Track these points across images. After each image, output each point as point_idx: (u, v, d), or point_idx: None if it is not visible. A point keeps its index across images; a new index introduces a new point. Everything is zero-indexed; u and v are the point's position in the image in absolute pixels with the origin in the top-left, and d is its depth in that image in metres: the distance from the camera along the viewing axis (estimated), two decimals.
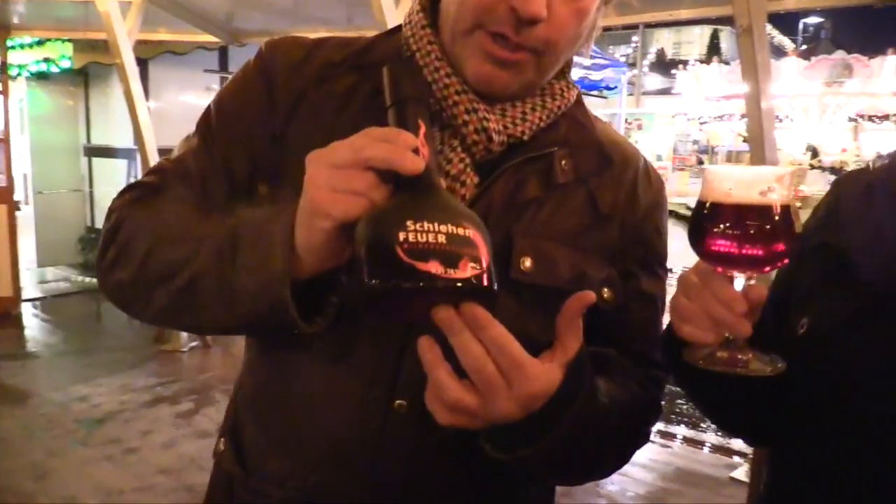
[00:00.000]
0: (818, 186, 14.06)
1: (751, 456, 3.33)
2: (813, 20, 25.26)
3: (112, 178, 7.80)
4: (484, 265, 0.61)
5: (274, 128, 0.86)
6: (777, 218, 0.66)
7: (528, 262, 0.81)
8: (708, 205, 0.69)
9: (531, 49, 0.78)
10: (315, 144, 0.69)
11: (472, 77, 0.80)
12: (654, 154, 17.91)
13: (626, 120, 16.45)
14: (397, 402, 0.80)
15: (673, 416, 4.18)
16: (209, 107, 0.91)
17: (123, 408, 4.08)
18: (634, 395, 0.85)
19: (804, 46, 23.08)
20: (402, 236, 0.59)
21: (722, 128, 15.49)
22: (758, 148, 2.59)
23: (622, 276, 0.88)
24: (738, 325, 0.69)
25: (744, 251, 0.67)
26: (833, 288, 0.77)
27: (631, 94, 20.54)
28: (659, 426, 4.04)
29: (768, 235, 0.66)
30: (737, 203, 0.67)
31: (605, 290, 0.85)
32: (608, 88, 10.33)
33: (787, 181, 0.67)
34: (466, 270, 0.60)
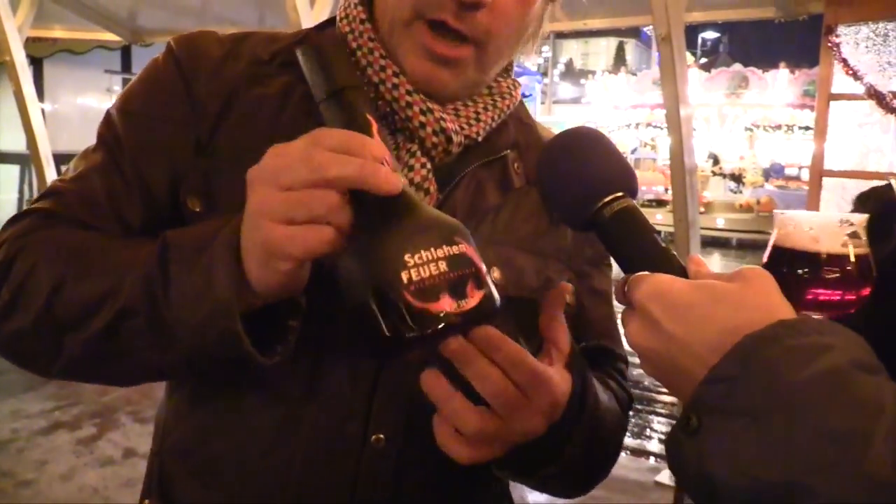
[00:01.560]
0: (719, 192, 14.81)
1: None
2: (711, 34, 26.58)
3: (2, 185, 7.28)
4: (487, 282, 0.57)
5: (198, 133, 0.75)
6: (861, 263, 0.67)
7: (496, 273, 0.76)
8: (785, 251, 0.69)
9: (473, 40, 0.73)
10: (251, 152, 0.62)
11: (410, 75, 0.74)
12: None
13: None
14: (374, 436, 0.73)
15: None
16: (109, 114, 0.78)
17: (16, 436, 3.75)
18: (613, 388, 0.83)
19: (704, 59, 24.25)
20: (405, 278, 0.53)
21: (629, 136, 16.02)
22: (678, 155, 2.63)
23: (577, 276, 0.85)
24: None
25: (832, 297, 0.67)
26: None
27: (543, 103, 21.01)
28: None
29: (854, 280, 0.67)
30: (826, 252, 0.67)
31: (567, 294, 0.81)
32: (523, 96, 10.48)
33: (863, 227, 0.68)
34: (475, 296, 0.56)
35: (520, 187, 0.82)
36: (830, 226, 0.67)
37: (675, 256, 0.59)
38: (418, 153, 0.75)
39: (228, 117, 0.75)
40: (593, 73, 18.39)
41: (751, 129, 15.26)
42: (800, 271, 0.67)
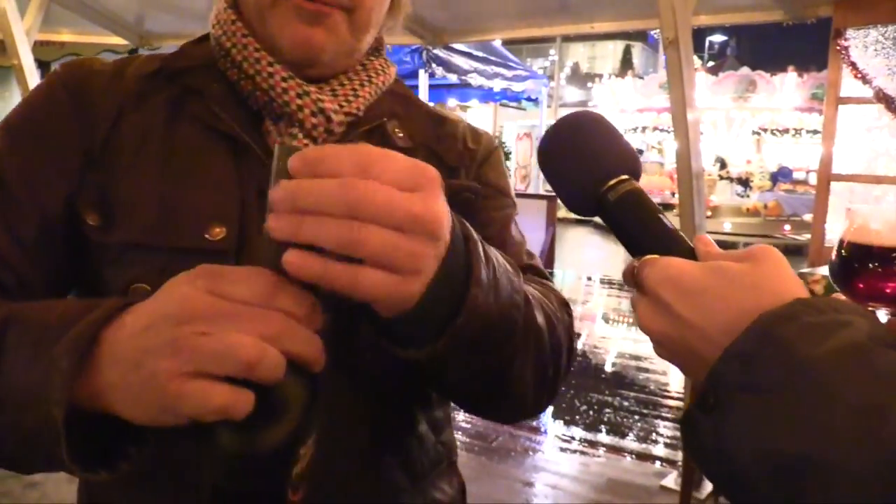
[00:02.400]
0: (726, 196, 14.76)
1: (679, 463, 3.37)
2: (718, 38, 26.52)
3: None
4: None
5: (89, 148, 0.75)
6: None
7: None
8: (857, 246, 0.71)
9: (338, 5, 0.75)
10: (144, 164, 0.68)
11: (288, 44, 0.76)
12: None
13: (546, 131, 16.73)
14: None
15: (600, 426, 4.21)
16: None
17: None
18: (534, 286, 0.78)
19: (710, 63, 24.19)
20: (293, 472, 0.50)
21: (636, 139, 15.98)
22: (685, 159, 2.62)
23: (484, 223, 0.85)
24: None
25: (893, 290, 0.69)
26: None
27: (549, 107, 20.99)
28: (586, 435, 4.06)
29: None
30: (886, 245, 0.69)
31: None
32: (529, 100, 10.47)
33: None
34: (300, 494, 0.52)
35: (406, 148, 0.83)
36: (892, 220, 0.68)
37: (683, 237, 0.59)
38: (300, 136, 0.77)
39: (119, 131, 0.76)
40: (600, 76, 18.36)
41: (758, 133, 15.19)
42: (871, 265, 0.69)
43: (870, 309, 0.71)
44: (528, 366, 0.69)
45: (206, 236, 0.72)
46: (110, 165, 0.74)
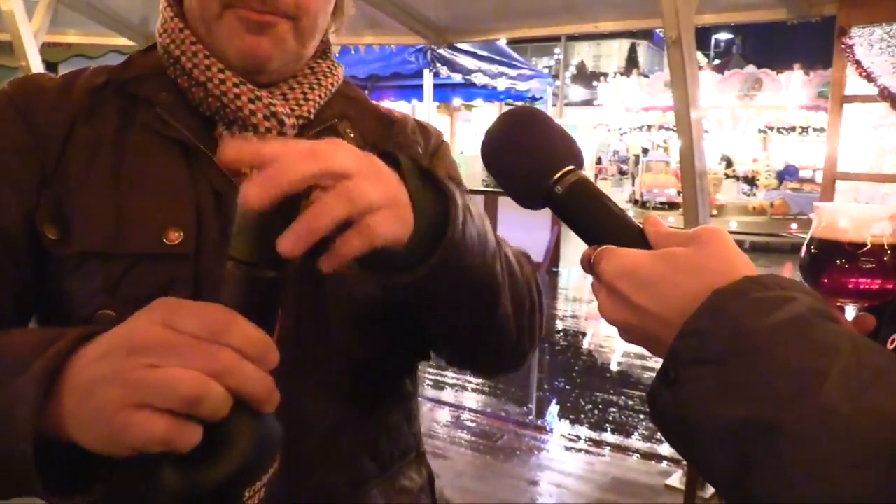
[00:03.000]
0: (732, 195, 14.72)
1: (684, 462, 3.37)
2: (724, 36, 26.44)
3: None
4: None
5: (44, 163, 0.75)
6: (891, 255, 0.69)
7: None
8: (820, 242, 0.72)
9: (283, 14, 0.77)
10: (99, 175, 0.70)
11: (236, 54, 0.78)
12: None
13: None
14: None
15: (606, 425, 4.22)
16: None
17: None
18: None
19: (717, 61, 24.13)
20: None
21: (641, 138, 15.97)
22: (688, 158, 2.62)
23: None
24: None
25: (867, 286, 0.70)
26: None
27: (554, 105, 20.97)
28: (591, 434, 4.06)
29: (883, 271, 0.69)
30: (853, 241, 0.70)
31: None
32: (534, 99, 10.45)
33: None
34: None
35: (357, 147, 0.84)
36: (864, 217, 0.69)
37: (631, 222, 0.61)
38: (254, 140, 0.77)
39: (72, 145, 0.76)
40: (605, 75, 18.34)
41: (764, 132, 15.15)
42: (838, 262, 0.70)
43: (838, 305, 0.72)
44: (506, 295, 0.74)
45: (164, 241, 0.72)
46: (65, 179, 0.74)
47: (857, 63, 3.44)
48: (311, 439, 0.78)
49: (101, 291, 0.70)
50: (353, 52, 5.82)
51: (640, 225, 0.60)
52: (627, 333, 0.58)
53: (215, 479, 0.47)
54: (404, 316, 0.76)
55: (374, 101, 0.96)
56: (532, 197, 0.64)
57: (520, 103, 14.40)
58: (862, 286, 0.69)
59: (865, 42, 3.47)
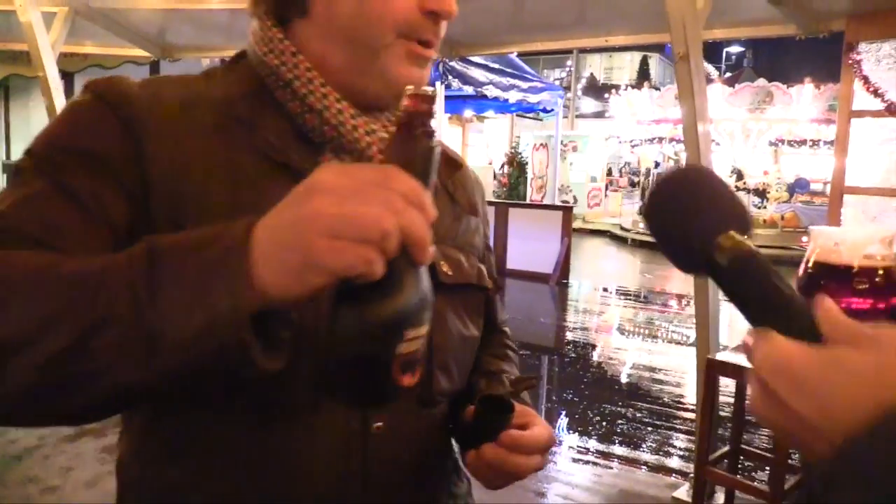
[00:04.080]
0: None
1: (691, 475, 3.36)
2: (735, 49, 26.43)
3: None
4: (422, 359, 0.61)
5: (149, 172, 0.74)
6: (882, 276, 0.70)
7: (445, 267, 0.88)
8: (814, 265, 0.73)
9: (436, 47, 0.83)
10: (216, 190, 0.72)
11: (395, 81, 0.80)
12: (589, 175, 18.33)
13: (561, 142, 16.76)
14: (375, 425, 0.80)
15: (614, 437, 4.22)
16: (37, 152, 0.73)
17: (42, 443, 3.82)
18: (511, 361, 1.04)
19: (728, 74, 24.11)
20: (399, 350, 0.56)
21: (652, 150, 15.97)
22: None
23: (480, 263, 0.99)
24: None
25: (853, 307, 0.71)
26: None
27: (565, 117, 21.00)
28: (599, 447, 4.06)
29: (873, 292, 0.70)
30: (845, 263, 0.71)
31: (489, 280, 0.98)
32: (545, 111, 10.49)
33: (892, 241, 0.72)
34: (416, 376, 0.60)
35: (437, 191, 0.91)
36: (858, 240, 0.71)
37: (801, 304, 0.54)
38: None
39: (174, 156, 0.75)
40: (617, 87, 18.36)
41: (775, 145, 15.11)
42: (831, 283, 0.72)
43: None
44: None
45: None
46: (176, 190, 0.74)
47: (865, 78, 3.45)
48: (413, 450, 0.87)
49: None
50: None
51: (812, 312, 0.52)
52: (773, 430, 0.53)
53: (386, 312, 0.55)
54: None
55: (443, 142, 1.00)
56: (690, 263, 0.61)
57: (532, 115, 14.41)
58: (854, 306, 0.70)
59: (873, 57, 3.48)
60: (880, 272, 0.70)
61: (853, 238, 0.72)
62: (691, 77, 2.53)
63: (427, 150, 0.58)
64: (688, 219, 0.60)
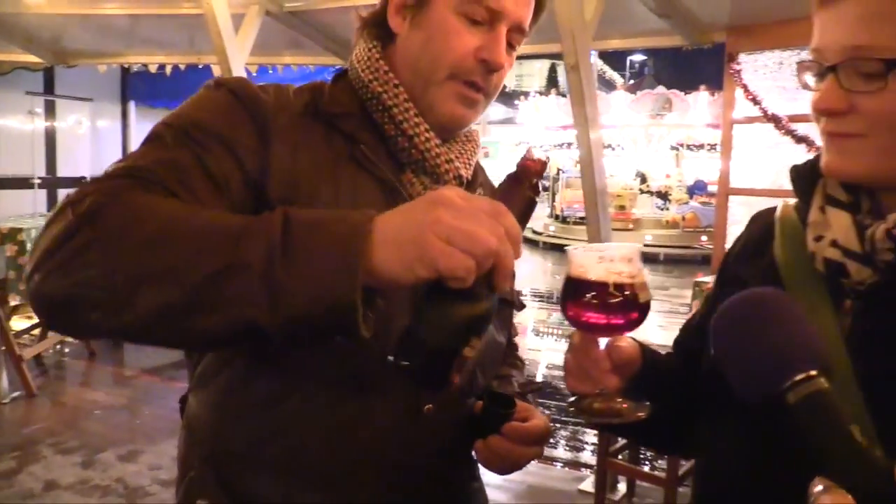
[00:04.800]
0: (647, 209, 15.31)
1: (595, 467, 3.50)
2: (638, 57, 27.53)
3: None
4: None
5: (262, 161, 0.85)
6: (624, 291, 0.77)
7: None
8: (568, 278, 0.80)
9: (488, 92, 0.96)
10: (323, 193, 0.86)
11: (443, 117, 0.95)
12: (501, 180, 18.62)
13: None
14: (426, 406, 0.93)
15: None
16: (172, 124, 0.83)
17: None
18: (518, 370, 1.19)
19: (632, 81, 25.08)
20: (465, 353, 0.66)
21: (561, 155, 16.42)
22: (588, 175, 2.77)
23: None
24: (605, 379, 0.82)
25: (594, 319, 0.78)
26: None
27: (478, 124, 21.25)
28: None
29: (613, 306, 0.77)
30: (588, 278, 0.77)
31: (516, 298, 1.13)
32: None
33: (630, 259, 0.78)
34: (459, 380, 0.69)
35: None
36: (600, 257, 0.78)
37: (874, 457, 0.52)
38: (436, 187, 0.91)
39: (290, 158, 0.87)
40: (527, 94, 18.76)
41: (676, 149, 15.84)
42: (579, 298, 0.78)
43: (593, 338, 0.81)
44: None
45: None
46: (291, 182, 0.86)
47: (745, 87, 3.71)
48: (449, 440, 0.99)
49: None
50: (270, 70, 5.83)
51: (887, 463, 0.51)
52: None
53: (468, 315, 0.65)
54: None
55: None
56: (756, 395, 0.59)
57: None
58: (592, 321, 0.78)
59: (751, 67, 3.74)
60: (619, 289, 0.76)
61: (599, 258, 0.78)
62: (582, 86, 2.66)
63: (530, 202, 0.70)
64: (761, 352, 0.58)
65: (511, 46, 0.96)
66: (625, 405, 0.81)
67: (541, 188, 0.72)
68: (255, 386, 0.90)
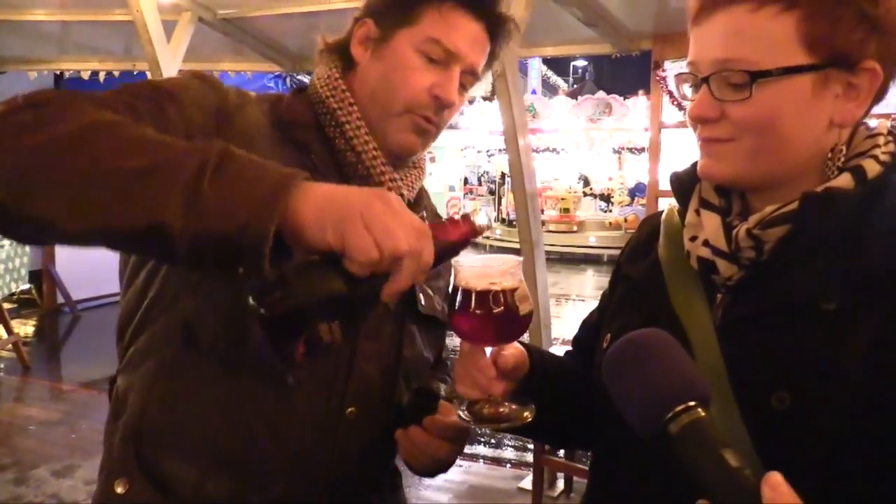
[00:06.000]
0: (590, 212, 15.59)
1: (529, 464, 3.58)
2: (581, 63, 27.99)
3: None
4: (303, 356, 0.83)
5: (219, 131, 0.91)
6: (501, 302, 0.81)
7: (423, 300, 1.09)
8: (453, 291, 0.84)
9: (438, 126, 1.05)
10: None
11: (396, 145, 1.03)
12: (447, 185, 18.73)
13: None
14: (349, 409, 0.98)
15: (478, 438, 4.38)
16: (140, 83, 0.91)
17: None
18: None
19: (575, 86, 25.50)
20: (321, 330, 0.82)
21: (504, 160, 16.57)
22: (518, 180, 2.84)
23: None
24: (492, 386, 0.86)
25: (477, 330, 0.82)
26: (626, 309, 0.96)
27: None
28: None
29: (494, 317, 0.81)
30: (471, 290, 0.82)
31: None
32: None
33: (511, 273, 0.82)
34: (300, 353, 0.80)
35: None
36: (480, 271, 0.82)
37: (746, 479, 0.56)
38: None
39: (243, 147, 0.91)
40: (472, 99, 18.89)
41: (618, 152, 16.18)
42: (452, 306, 0.83)
43: (480, 346, 0.86)
44: None
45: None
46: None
47: (670, 93, 3.83)
48: (376, 439, 1.03)
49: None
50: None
51: (756, 484, 0.55)
52: None
53: (340, 292, 0.69)
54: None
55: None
56: (648, 431, 0.62)
57: None
58: (475, 331, 0.83)
59: (675, 74, 3.87)
60: (501, 300, 0.81)
61: (477, 270, 0.83)
62: (509, 92, 2.73)
63: (453, 249, 0.76)
64: (641, 389, 0.63)
65: (463, 87, 1.05)
66: (511, 409, 0.86)
67: (467, 243, 0.78)
68: (182, 374, 0.94)
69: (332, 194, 0.71)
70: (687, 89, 0.86)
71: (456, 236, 0.75)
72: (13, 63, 5.93)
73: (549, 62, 24.81)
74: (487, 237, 15.73)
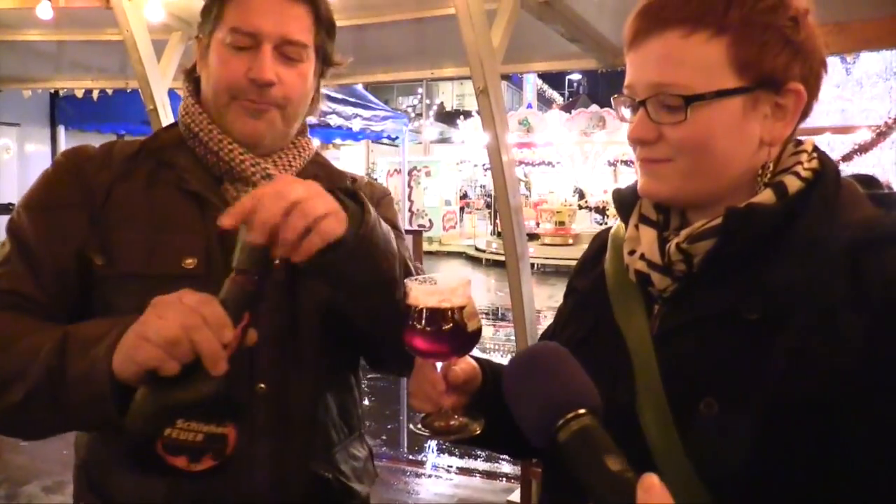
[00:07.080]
0: (585, 224, 15.64)
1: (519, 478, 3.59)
2: (576, 77, 28.19)
3: None
4: (225, 455, 0.79)
5: (92, 210, 1.05)
6: (450, 319, 0.84)
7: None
8: (406, 309, 0.86)
9: (274, 104, 1.09)
10: (134, 216, 1.04)
11: (238, 132, 1.09)
12: (443, 199, 18.81)
13: (415, 167, 17.09)
14: (259, 385, 1.05)
15: (455, 449, 4.39)
16: (16, 212, 1.05)
17: None
18: None
19: (570, 100, 25.65)
20: (167, 433, 0.75)
21: None
22: (502, 196, 2.87)
23: None
24: (442, 399, 0.89)
25: (426, 346, 0.85)
26: (573, 320, 1.00)
27: (419, 143, 21.44)
28: (437, 460, 4.22)
29: (442, 334, 0.84)
30: (422, 308, 0.85)
31: None
32: (390, 139, 10.72)
33: (460, 291, 0.85)
34: (205, 464, 0.78)
35: None
36: (429, 290, 0.85)
37: (626, 484, 0.58)
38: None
39: (112, 198, 1.06)
40: (468, 113, 18.99)
41: (614, 165, 16.26)
42: (404, 323, 0.86)
43: (431, 362, 0.87)
44: (401, 290, 0.93)
45: (183, 265, 1.03)
46: (108, 222, 1.04)
47: None
48: (297, 409, 1.09)
49: (137, 304, 0.88)
50: None
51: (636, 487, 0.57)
52: None
53: (159, 401, 0.76)
54: (348, 323, 1.05)
55: (337, 167, 1.28)
56: (541, 441, 0.65)
57: (388, 142, 14.68)
58: (424, 347, 0.85)
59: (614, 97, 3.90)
60: (449, 318, 0.84)
61: (427, 289, 0.86)
62: (492, 109, 2.76)
63: (251, 295, 0.80)
64: (532, 401, 0.66)
65: (290, 59, 1.09)
66: (460, 422, 0.89)
67: (266, 285, 0.82)
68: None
69: (127, 335, 0.82)
70: (625, 111, 0.89)
71: (244, 280, 0.81)
72: (9, 82, 5.97)
73: (545, 76, 24.98)
74: (483, 251, 15.76)
